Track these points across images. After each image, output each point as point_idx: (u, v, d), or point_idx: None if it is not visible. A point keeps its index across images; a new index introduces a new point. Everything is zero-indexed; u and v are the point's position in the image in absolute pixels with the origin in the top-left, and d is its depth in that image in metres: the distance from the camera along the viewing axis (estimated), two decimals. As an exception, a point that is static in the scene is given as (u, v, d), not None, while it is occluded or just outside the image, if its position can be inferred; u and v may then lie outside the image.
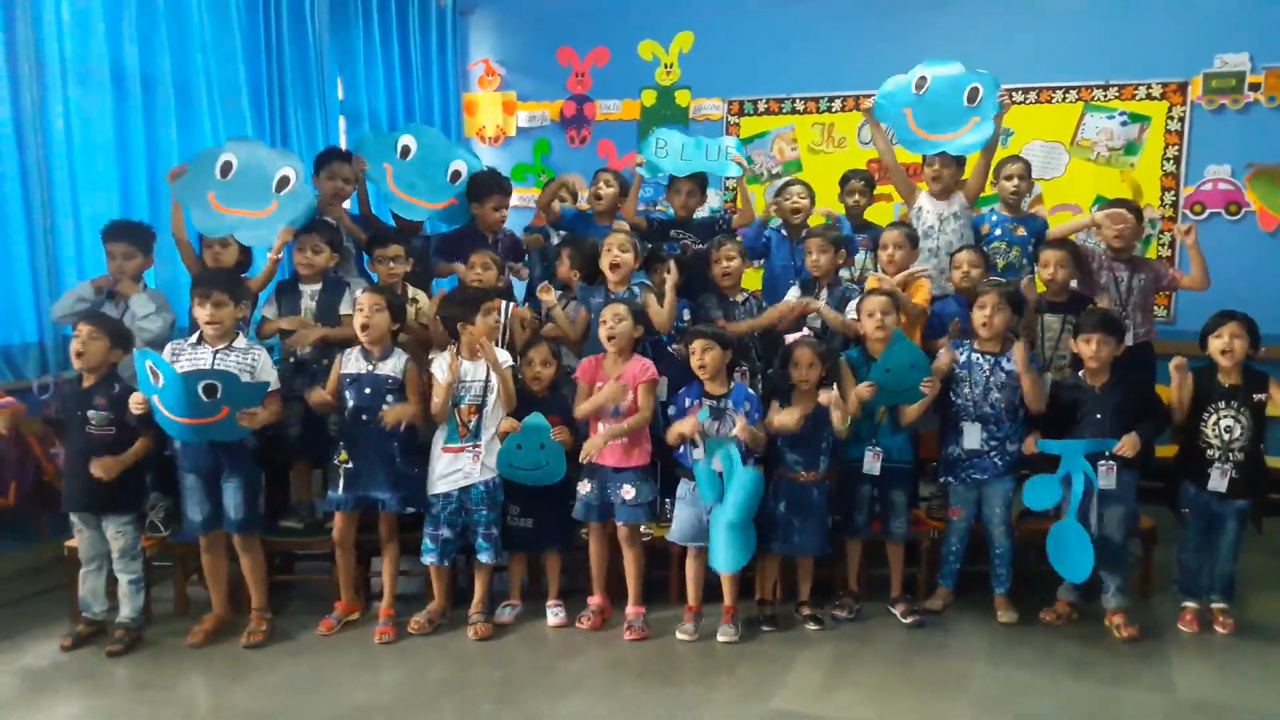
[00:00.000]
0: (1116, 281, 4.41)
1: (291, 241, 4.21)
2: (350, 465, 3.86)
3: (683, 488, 3.87)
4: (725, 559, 3.76)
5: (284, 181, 4.21)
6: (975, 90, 4.48)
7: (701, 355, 3.80)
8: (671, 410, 3.92)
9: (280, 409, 3.85)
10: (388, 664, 3.67)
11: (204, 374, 3.58)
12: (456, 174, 4.69)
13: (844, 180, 5.06)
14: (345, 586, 4.01)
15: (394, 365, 3.90)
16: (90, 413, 3.68)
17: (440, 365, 3.87)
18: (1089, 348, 3.85)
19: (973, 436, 3.96)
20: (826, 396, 3.80)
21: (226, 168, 4.20)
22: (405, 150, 4.60)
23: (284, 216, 4.18)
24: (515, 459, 3.85)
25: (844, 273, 4.61)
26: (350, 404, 3.87)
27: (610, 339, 3.88)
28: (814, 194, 4.91)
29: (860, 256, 4.84)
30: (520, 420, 3.85)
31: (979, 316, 3.96)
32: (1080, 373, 3.94)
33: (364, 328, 3.82)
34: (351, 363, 3.89)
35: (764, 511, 3.92)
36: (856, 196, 4.98)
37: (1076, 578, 3.86)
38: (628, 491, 3.87)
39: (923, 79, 4.60)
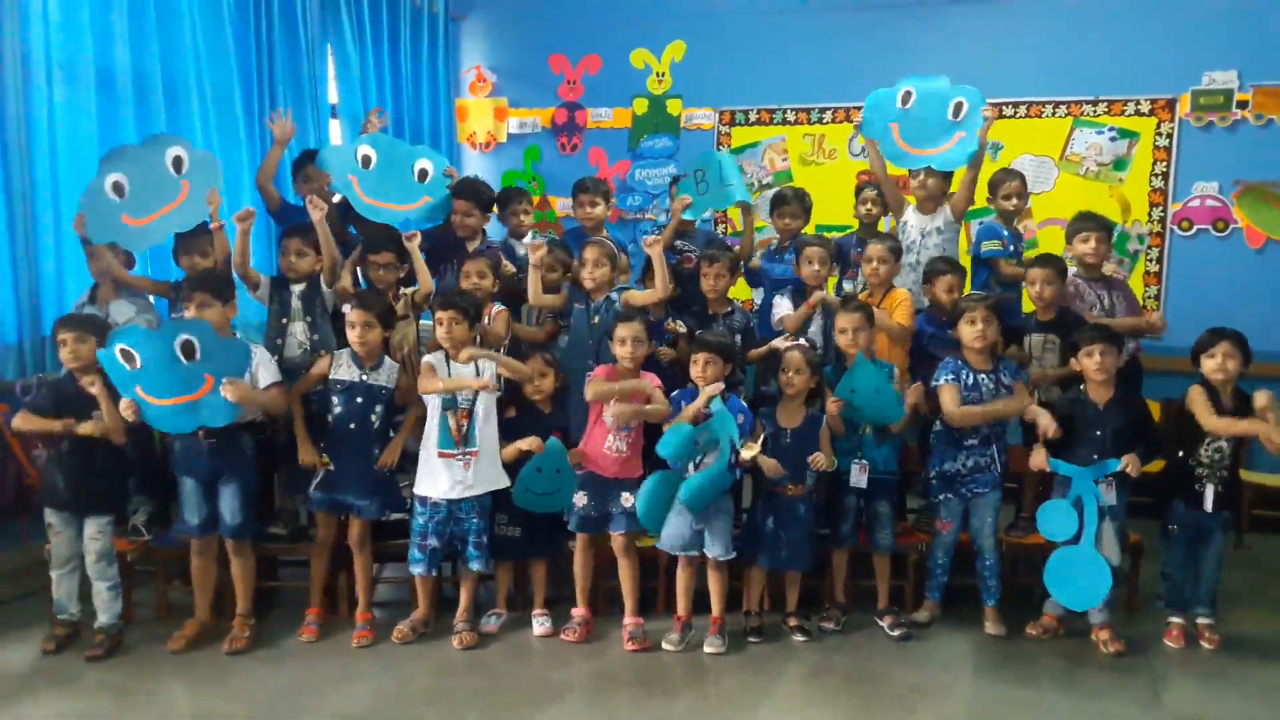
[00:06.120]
0: (1100, 300, 4.40)
1: (226, 205, 4.21)
2: (331, 468, 3.86)
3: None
4: (645, 511, 3.73)
5: (178, 163, 4.17)
6: (960, 105, 4.47)
7: (704, 368, 3.80)
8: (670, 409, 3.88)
9: (283, 400, 3.84)
10: (370, 672, 3.63)
11: (182, 326, 3.58)
12: (424, 172, 4.60)
13: (858, 190, 5.07)
14: (316, 592, 4.00)
15: (387, 375, 3.92)
16: (94, 413, 3.66)
17: (437, 360, 3.86)
18: (1093, 360, 3.81)
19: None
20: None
21: (118, 188, 4.12)
22: (366, 160, 4.51)
23: (199, 190, 4.14)
24: (534, 483, 3.83)
25: (846, 285, 4.61)
26: (337, 410, 3.86)
27: (630, 359, 3.87)
28: (808, 208, 4.92)
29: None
30: (514, 439, 3.87)
31: (970, 331, 3.94)
32: (1082, 387, 3.91)
33: (361, 344, 3.85)
34: (343, 369, 3.88)
35: (751, 526, 3.92)
36: (869, 206, 4.96)
37: (1082, 605, 3.81)
38: (627, 500, 3.85)
39: (908, 93, 4.59)
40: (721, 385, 3.74)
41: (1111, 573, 3.73)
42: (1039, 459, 3.85)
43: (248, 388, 3.66)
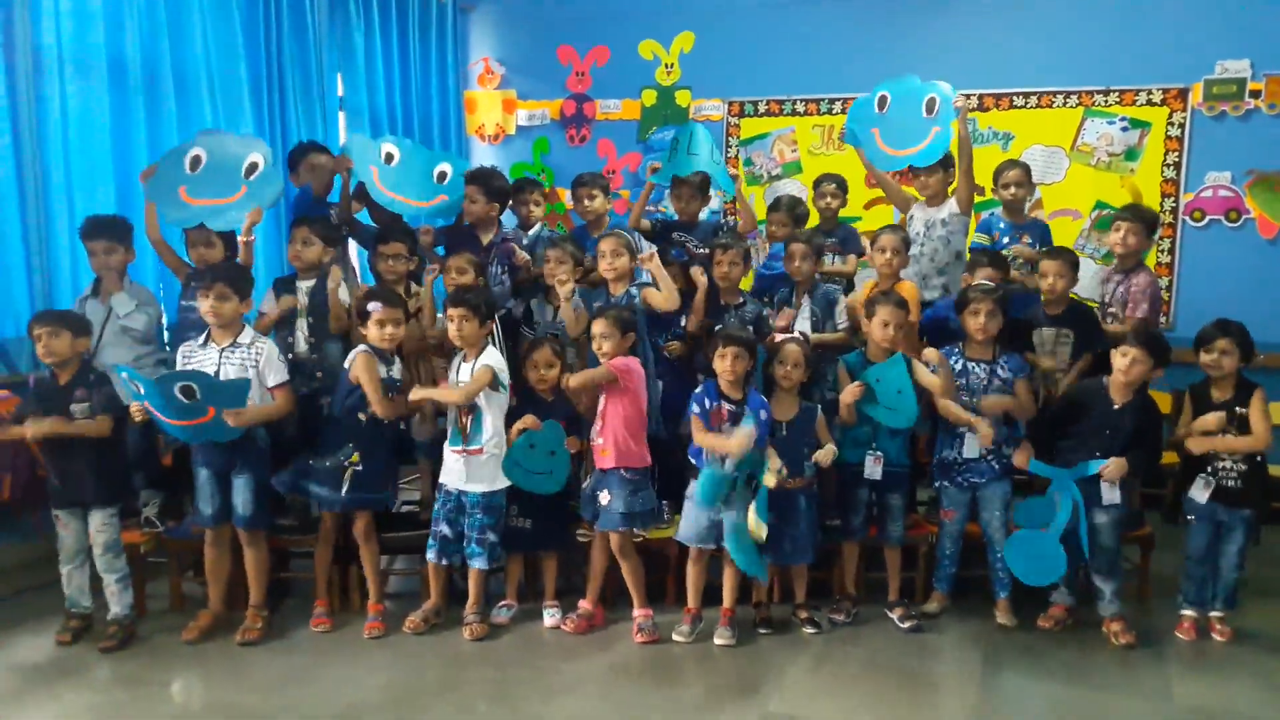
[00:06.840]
0: (1106, 293, 4.43)
1: (261, 223, 4.25)
2: (361, 468, 3.87)
3: (693, 487, 3.84)
4: (753, 563, 3.77)
5: (252, 167, 4.24)
6: (933, 101, 4.50)
7: (733, 362, 3.76)
8: (695, 408, 3.81)
9: (287, 405, 3.87)
10: (382, 663, 3.65)
11: (178, 376, 3.58)
12: (443, 174, 4.69)
13: (816, 183, 5.15)
14: (321, 584, 4.03)
15: (398, 368, 3.97)
16: (73, 407, 3.67)
17: (454, 369, 3.91)
18: (1125, 360, 3.77)
19: (972, 445, 3.96)
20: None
21: (196, 162, 4.23)
22: (389, 157, 4.63)
23: (253, 200, 4.19)
24: (525, 458, 3.84)
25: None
26: (370, 409, 3.87)
27: (600, 354, 3.87)
28: (800, 217, 4.95)
29: (828, 260, 4.86)
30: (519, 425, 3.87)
31: (973, 322, 3.95)
32: (1106, 379, 3.88)
33: (392, 340, 3.88)
34: (382, 369, 3.90)
35: None
36: (828, 199, 5.06)
37: (1032, 581, 3.88)
38: (604, 497, 3.85)
39: (884, 98, 4.65)
40: (753, 436, 3.64)
41: (1106, 558, 3.79)
42: (1022, 458, 3.89)
43: (249, 413, 3.68)
